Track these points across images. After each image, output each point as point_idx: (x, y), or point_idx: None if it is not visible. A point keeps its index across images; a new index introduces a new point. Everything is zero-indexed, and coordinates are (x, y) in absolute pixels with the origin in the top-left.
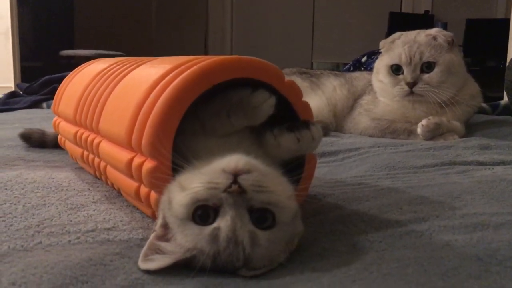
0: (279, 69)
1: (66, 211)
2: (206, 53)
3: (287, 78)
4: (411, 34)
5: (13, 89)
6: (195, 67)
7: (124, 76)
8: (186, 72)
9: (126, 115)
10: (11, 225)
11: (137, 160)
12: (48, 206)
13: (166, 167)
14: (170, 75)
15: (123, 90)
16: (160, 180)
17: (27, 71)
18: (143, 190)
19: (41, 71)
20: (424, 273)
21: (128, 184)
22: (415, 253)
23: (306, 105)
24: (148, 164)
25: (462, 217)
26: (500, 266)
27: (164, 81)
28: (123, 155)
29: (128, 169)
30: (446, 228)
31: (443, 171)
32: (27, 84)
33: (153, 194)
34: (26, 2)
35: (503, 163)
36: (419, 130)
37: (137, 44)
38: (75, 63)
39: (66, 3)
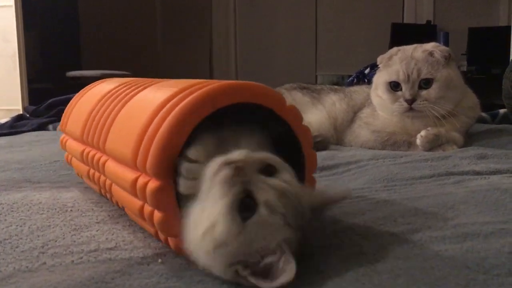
0: (280, 94)
1: (70, 232)
2: (211, 69)
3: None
4: (408, 50)
5: (20, 111)
6: (199, 91)
7: (131, 98)
8: (190, 97)
9: (132, 136)
10: (17, 247)
11: (142, 180)
12: (53, 228)
13: (169, 187)
14: (175, 99)
15: (129, 111)
16: (163, 199)
17: (34, 93)
18: (147, 209)
19: (48, 93)
20: (414, 283)
21: (132, 202)
22: (406, 263)
23: (306, 130)
24: (152, 184)
25: (454, 227)
26: (487, 274)
27: (169, 105)
28: (128, 174)
29: (132, 188)
30: (438, 238)
31: (440, 181)
32: (34, 107)
33: (156, 213)
34: (32, 26)
35: (499, 172)
36: (418, 141)
37: (143, 64)
38: (82, 83)
39: (72, 25)
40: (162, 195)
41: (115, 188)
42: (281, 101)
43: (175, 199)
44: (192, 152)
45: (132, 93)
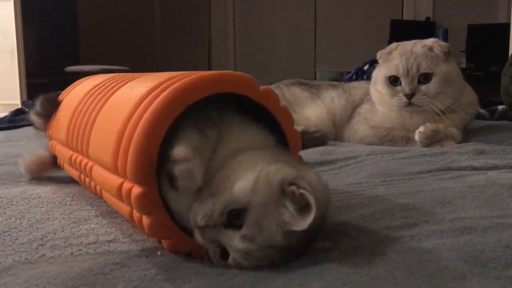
0: (252, 79)
1: (69, 225)
2: (210, 66)
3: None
4: (408, 45)
5: (19, 106)
6: (169, 89)
7: (107, 99)
8: (161, 96)
9: (110, 141)
10: (16, 239)
11: (126, 185)
12: (52, 220)
13: (153, 191)
14: (146, 100)
15: (105, 115)
16: (149, 204)
17: (33, 87)
18: (136, 214)
19: (46, 88)
20: (411, 276)
21: (122, 208)
22: (404, 257)
23: (284, 110)
24: (136, 190)
25: (451, 222)
26: (483, 267)
27: (140, 107)
28: (114, 181)
29: (119, 195)
30: (435, 232)
31: (438, 176)
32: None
33: (144, 218)
34: (31, 20)
35: (496, 167)
36: (416, 137)
37: (142, 58)
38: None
39: (70, 20)
40: (146, 201)
41: (104, 193)
42: (253, 86)
43: (160, 201)
44: (177, 153)
45: (108, 94)
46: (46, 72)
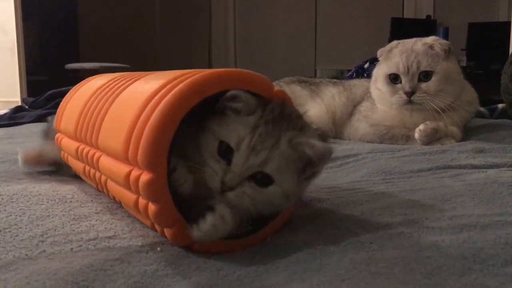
0: (267, 79)
1: (69, 222)
2: (210, 65)
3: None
4: (408, 43)
5: (19, 103)
6: (186, 81)
7: (120, 92)
8: (178, 87)
9: (122, 130)
10: (16, 236)
11: (135, 173)
12: (52, 217)
13: (162, 179)
14: (163, 90)
15: (119, 106)
16: (156, 191)
17: (33, 85)
18: (142, 202)
19: (47, 85)
20: (410, 272)
21: (127, 196)
22: (403, 253)
23: None
24: (145, 177)
25: (451, 219)
26: (483, 264)
27: (157, 96)
28: (122, 169)
29: (126, 182)
30: (434, 229)
31: (437, 175)
32: (32, 99)
33: (150, 206)
34: (31, 17)
35: (496, 166)
36: (416, 135)
37: (142, 57)
38: (80, 76)
39: (70, 17)
40: (155, 187)
41: (110, 183)
42: (268, 86)
43: (168, 190)
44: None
45: (122, 87)
46: (46, 69)
